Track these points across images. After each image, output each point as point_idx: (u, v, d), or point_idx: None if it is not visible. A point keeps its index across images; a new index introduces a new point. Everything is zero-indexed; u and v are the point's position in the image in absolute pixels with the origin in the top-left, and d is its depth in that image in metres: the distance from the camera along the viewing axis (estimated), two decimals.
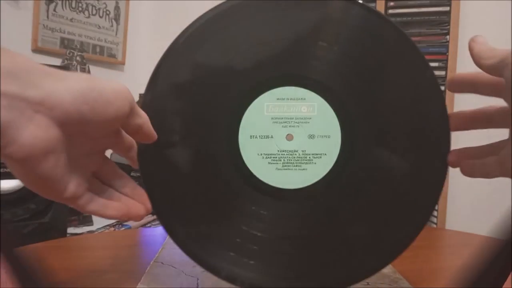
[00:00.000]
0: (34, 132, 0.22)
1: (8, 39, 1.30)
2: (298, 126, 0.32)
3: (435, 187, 0.31)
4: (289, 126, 0.32)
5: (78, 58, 1.46)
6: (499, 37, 1.41)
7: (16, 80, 0.21)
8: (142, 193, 0.31)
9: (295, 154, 0.32)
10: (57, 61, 1.46)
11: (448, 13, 1.45)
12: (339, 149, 0.32)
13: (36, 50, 1.46)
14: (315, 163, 0.32)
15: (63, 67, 1.34)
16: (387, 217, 0.32)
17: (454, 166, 0.31)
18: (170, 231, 0.32)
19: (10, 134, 0.21)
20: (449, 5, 1.45)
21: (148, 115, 0.29)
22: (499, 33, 1.40)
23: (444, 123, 0.31)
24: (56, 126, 0.23)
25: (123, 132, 0.30)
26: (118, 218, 0.29)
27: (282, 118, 0.32)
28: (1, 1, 1.30)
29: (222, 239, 0.32)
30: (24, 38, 1.43)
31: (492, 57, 0.25)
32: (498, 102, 0.29)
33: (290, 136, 0.32)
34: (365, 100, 0.31)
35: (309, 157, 0.32)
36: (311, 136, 0.32)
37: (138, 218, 0.30)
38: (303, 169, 0.32)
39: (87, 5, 1.63)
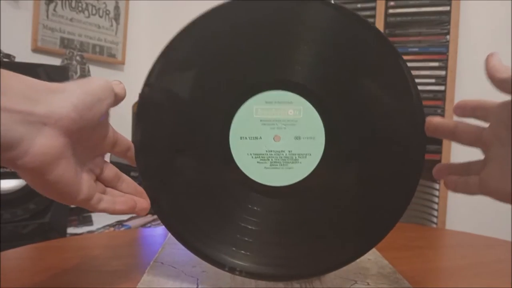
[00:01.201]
0: (44, 142, 0.25)
1: (8, 39, 1.30)
2: (285, 128, 0.33)
3: (411, 179, 0.33)
4: (277, 128, 0.34)
5: (77, 58, 1.46)
6: (499, 37, 1.42)
7: (26, 99, 0.24)
8: (142, 191, 0.34)
9: (282, 154, 0.34)
10: (57, 61, 1.46)
11: (448, 13, 1.45)
12: (323, 149, 0.33)
13: (36, 50, 1.46)
14: (300, 162, 0.34)
15: (63, 67, 1.34)
16: (367, 209, 0.34)
17: (438, 179, 0.32)
18: (173, 230, 0.34)
19: (24, 146, 0.24)
20: (449, 5, 1.44)
21: (144, 113, 0.32)
22: (499, 33, 1.41)
23: (419, 119, 0.32)
24: (63, 134, 0.26)
25: (119, 135, 0.33)
26: (127, 212, 0.32)
27: (270, 120, 0.33)
28: (1, 1, 1.30)
29: (224, 236, 0.34)
30: (24, 38, 1.43)
31: (506, 72, 0.27)
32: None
33: (277, 137, 0.34)
34: (347, 102, 0.33)
35: (295, 157, 0.34)
36: (297, 137, 0.34)
37: (143, 212, 0.33)
38: (290, 168, 0.34)
39: (87, 5, 1.63)
